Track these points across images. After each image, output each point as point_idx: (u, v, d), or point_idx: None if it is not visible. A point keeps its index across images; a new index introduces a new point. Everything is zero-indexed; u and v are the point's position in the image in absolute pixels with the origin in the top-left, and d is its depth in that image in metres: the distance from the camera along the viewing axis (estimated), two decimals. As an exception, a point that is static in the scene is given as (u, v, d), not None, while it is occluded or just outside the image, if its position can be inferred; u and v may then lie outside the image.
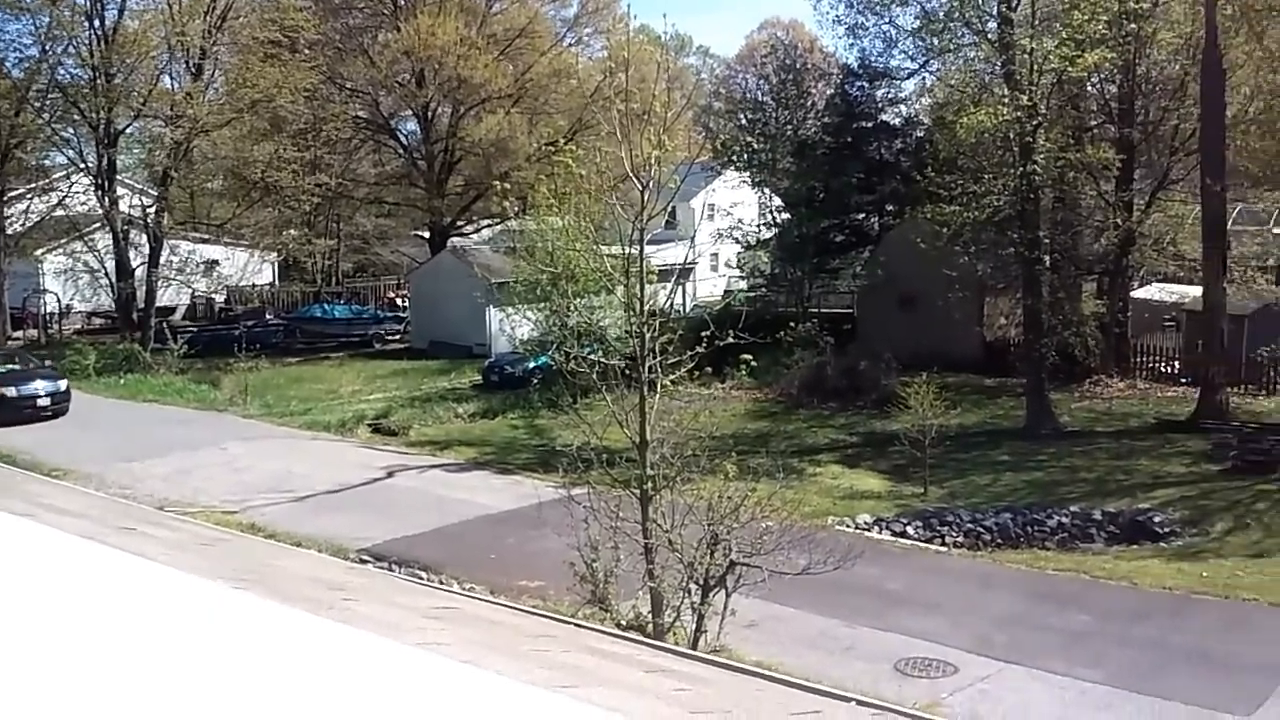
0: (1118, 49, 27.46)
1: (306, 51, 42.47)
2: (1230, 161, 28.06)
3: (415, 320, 43.92)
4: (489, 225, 46.61)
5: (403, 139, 49.11)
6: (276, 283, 53.20)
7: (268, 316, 46.79)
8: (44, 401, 28.62)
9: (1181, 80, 30.68)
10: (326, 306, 47.01)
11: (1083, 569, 16.99)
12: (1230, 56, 27.35)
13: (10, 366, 30.55)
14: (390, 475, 24.09)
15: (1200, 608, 15.00)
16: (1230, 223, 31.58)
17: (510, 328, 31.80)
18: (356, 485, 23.05)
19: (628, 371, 12.85)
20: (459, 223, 47.65)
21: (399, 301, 50.25)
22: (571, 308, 16.24)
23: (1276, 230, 41.95)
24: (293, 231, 46.25)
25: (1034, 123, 26.09)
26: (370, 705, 4.45)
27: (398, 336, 44.85)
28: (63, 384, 29.53)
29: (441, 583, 15.94)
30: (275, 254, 50.40)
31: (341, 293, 52.43)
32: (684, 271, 30.93)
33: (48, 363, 32.52)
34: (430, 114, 46.08)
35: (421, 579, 16.14)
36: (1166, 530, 19.17)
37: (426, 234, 48.41)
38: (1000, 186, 27.04)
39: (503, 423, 29.88)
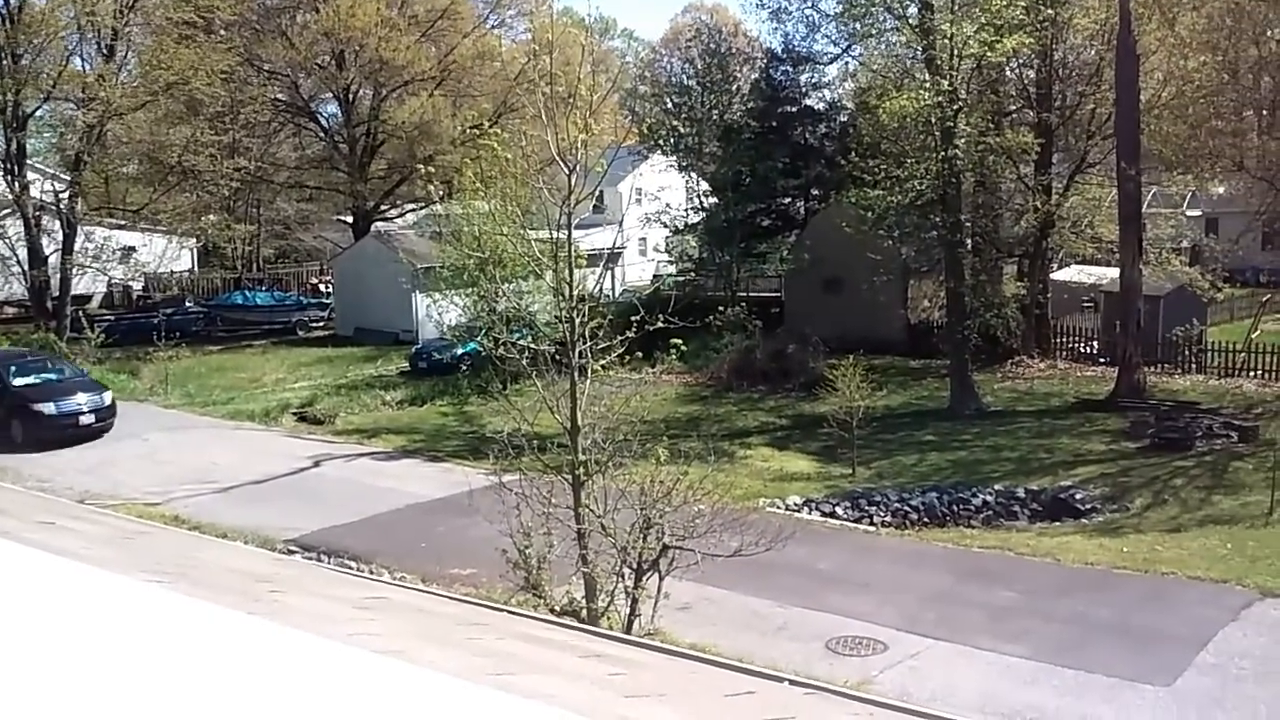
0: (1035, 34, 27.90)
1: (223, 32, 41.46)
2: (1145, 146, 28.69)
3: (340, 307, 43.30)
4: (414, 209, 46.09)
5: (324, 122, 48.29)
6: (196, 269, 52.03)
7: (187, 304, 45.77)
8: (87, 419, 24.79)
9: (1097, 65, 31.31)
10: (248, 293, 46.14)
11: (1007, 546, 17.32)
12: (1144, 42, 27.97)
13: (46, 376, 26.11)
14: (317, 464, 23.73)
15: (1121, 582, 15.37)
16: (1145, 206, 32.38)
17: (438, 313, 31.54)
18: (282, 475, 22.66)
19: (558, 357, 12.78)
20: (383, 207, 47.03)
21: (322, 288, 49.48)
22: (500, 293, 16.10)
23: (1189, 213, 43.17)
24: (212, 217, 45.19)
25: (955, 107, 26.42)
26: (299, 700, 4.35)
27: (322, 324, 44.18)
28: (107, 397, 25.63)
29: (371, 573, 15.76)
30: (194, 240, 49.23)
31: (263, 279, 51.48)
32: (613, 256, 30.83)
33: (84, 370, 28.58)
34: (352, 96, 45.36)
35: (351, 569, 15.95)
36: (1088, 507, 19.63)
37: (350, 219, 47.71)
38: (923, 171, 27.35)
39: (431, 410, 29.59)
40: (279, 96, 45.98)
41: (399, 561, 16.69)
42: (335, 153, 46.54)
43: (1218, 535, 17.23)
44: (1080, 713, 11.36)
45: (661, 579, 12.16)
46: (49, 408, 24.49)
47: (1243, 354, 29.84)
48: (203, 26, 39.85)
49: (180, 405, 29.99)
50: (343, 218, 49.83)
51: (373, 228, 44.82)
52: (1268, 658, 12.54)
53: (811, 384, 28.28)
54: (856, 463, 22.22)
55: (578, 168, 12.34)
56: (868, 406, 22.59)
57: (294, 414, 29.36)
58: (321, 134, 48.09)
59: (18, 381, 25.22)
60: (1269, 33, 27.07)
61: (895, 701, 10.59)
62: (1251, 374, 29.20)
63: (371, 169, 45.66)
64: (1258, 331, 32.89)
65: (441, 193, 24.55)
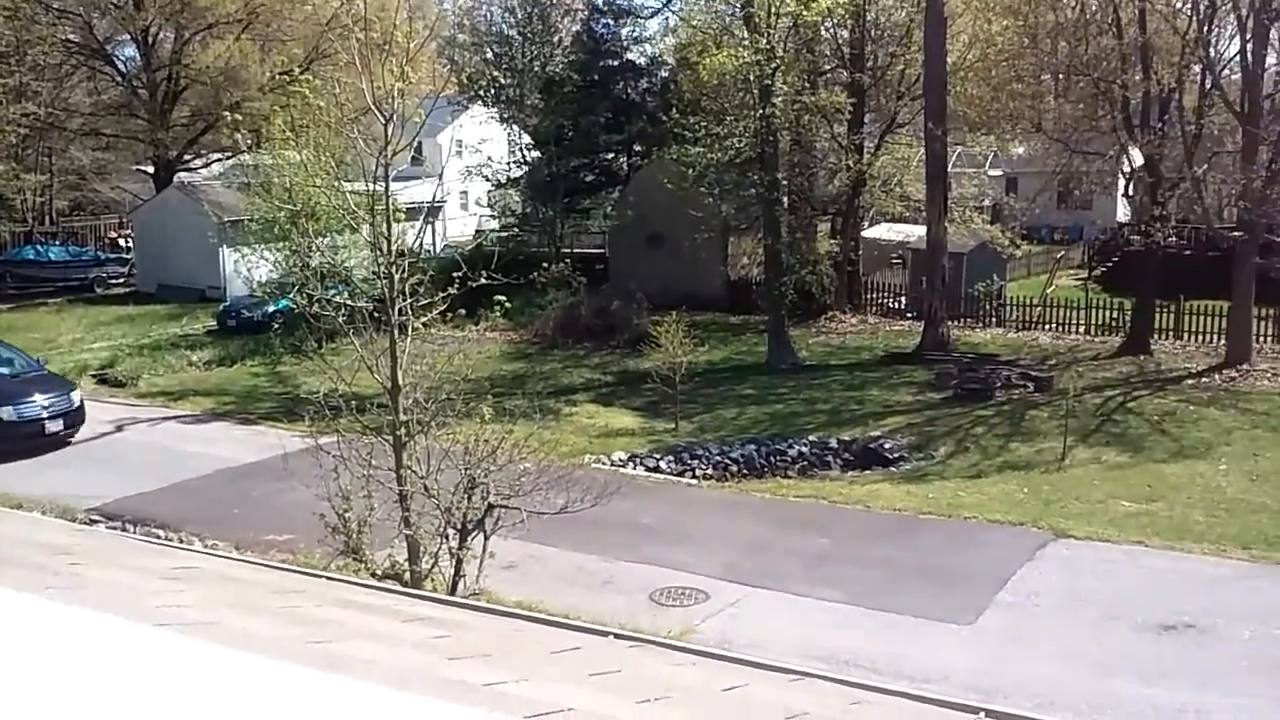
0: (849, -5, 28.57)
1: (5, -34, 38.40)
2: (951, 107, 29.81)
3: (141, 262, 41.10)
4: (220, 159, 43.92)
5: (121, 65, 45.40)
6: (-21, 223, 48.46)
7: (-30, 260, 42.67)
8: (54, 425, 20.80)
9: (908, 27, 32.30)
10: (40, 248, 43.30)
11: (821, 495, 17.91)
12: (951, 5, 29.00)
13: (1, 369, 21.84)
14: (119, 429, 22.56)
15: (927, 527, 16.11)
16: (951, 165, 33.69)
17: (247, 269, 30.23)
18: (82, 441, 21.45)
19: (376, 314, 12.42)
20: (186, 157, 44.67)
21: (122, 242, 46.86)
22: (313, 247, 15.52)
23: (991, 173, 45.24)
24: (-2, 166, 42.15)
25: (772, 66, 26.83)
26: (102, 679, 4.09)
27: (121, 280, 41.87)
28: (76, 396, 21.66)
29: (181, 541, 15.09)
30: (-24, 191, 45.83)
31: (57, 233, 48.38)
32: (433, 210, 30.20)
33: (40, 360, 23.78)
34: (151, 39, 42.76)
35: (158, 538, 15.22)
36: (896, 455, 20.46)
37: (151, 169, 45.16)
38: (742, 129, 27.74)
39: (242, 370, 28.49)
40: (70, 37, 42.92)
41: (210, 529, 16.05)
42: (134, 98, 43.88)
43: (1015, 480, 18.24)
44: (890, 652, 11.87)
45: (487, 539, 12.05)
46: (6, 412, 20.36)
47: (1039, 308, 31.61)
48: (-19, -42, 36.86)
49: (-36, 368, 27.95)
50: (143, 168, 47.13)
51: (175, 178, 42.57)
52: (1061, 594, 13.38)
53: (636, 340, 28.49)
54: (679, 417, 22.54)
55: (394, 117, 11.95)
56: (690, 362, 22.90)
57: (93, 376, 27.78)
58: (119, 78, 45.22)
59: None
60: (1065, 0, 28.43)
61: (716, 649, 10.82)
62: (1047, 327, 30.99)
63: (174, 116, 43.27)
64: (1052, 287, 34.88)
65: (249, 142, 23.55)
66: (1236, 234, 26.26)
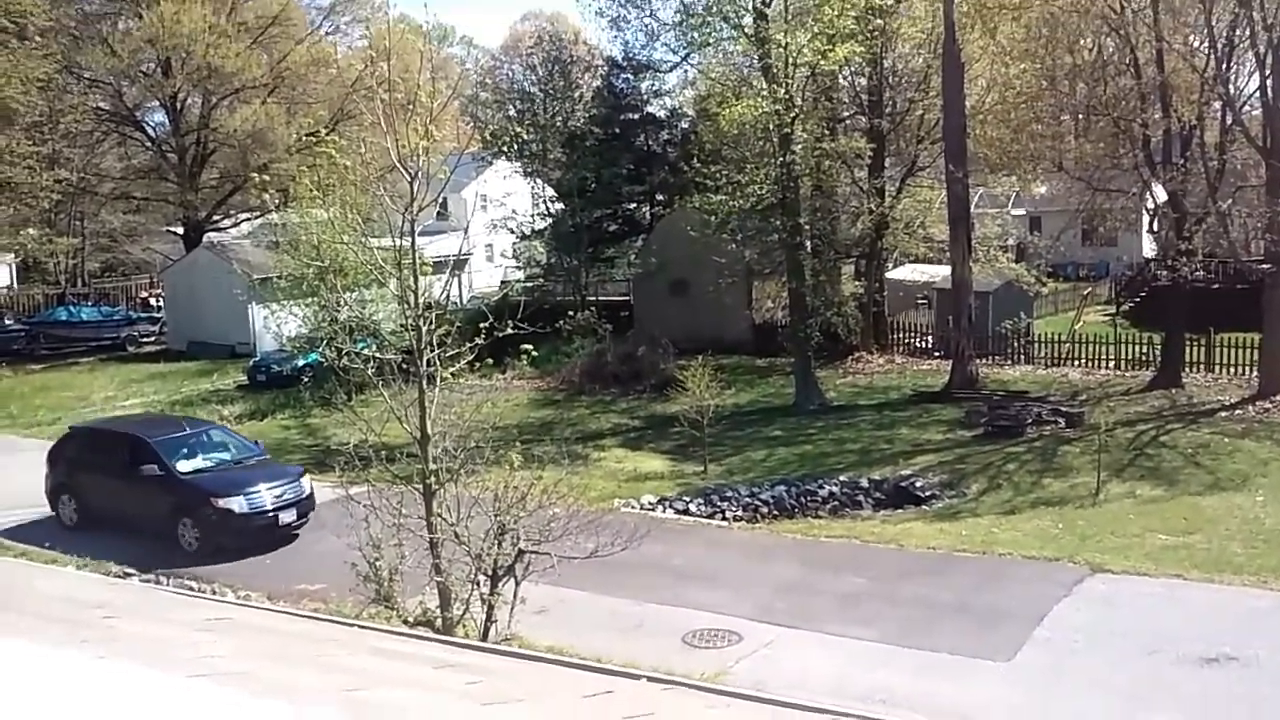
0: (866, 43, 28.78)
1: (38, 39, 39.37)
2: (971, 149, 29.91)
3: (172, 320, 41.65)
4: (248, 219, 44.63)
5: (150, 130, 46.29)
6: (15, 285, 49.28)
7: (7, 321, 43.33)
8: (287, 516, 18.21)
9: (925, 73, 32.51)
10: (72, 309, 43.90)
11: (853, 534, 17.82)
12: (968, 51, 29.16)
13: (217, 456, 19.40)
14: (153, 486, 22.71)
15: (961, 564, 15.98)
16: (973, 206, 33.77)
17: (276, 325, 30.54)
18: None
19: (405, 365, 12.57)
20: (215, 217, 45.45)
21: (153, 301, 47.47)
22: (341, 302, 15.75)
23: (1014, 212, 45.27)
24: (31, 231, 42.89)
25: (791, 114, 27.05)
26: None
27: (153, 338, 42.43)
28: (306, 483, 18.82)
29: (214, 593, 15.20)
30: (13, 255, 46.66)
31: (89, 294, 49.08)
32: (459, 262, 30.46)
33: (258, 444, 20.95)
34: (179, 104, 43.66)
35: (192, 590, 15.34)
36: (928, 494, 20.34)
37: (180, 230, 45.91)
38: (763, 176, 27.91)
39: (273, 424, 28.68)
40: (101, 105, 43.93)
41: (243, 581, 16.13)
42: (164, 162, 44.71)
43: (1049, 516, 18.09)
44: (927, 691, 11.76)
45: (518, 584, 12.08)
46: (237, 503, 17.77)
47: (1067, 344, 31.44)
48: (15, 33, 37.83)
49: (2, 427, 28.34)
50: (173, 229, 47.92)
51: (205, 238, 43.26)
52: (1099, 629, 13.21)
53: (662, 385, 28.57)
54: (708, 460, 22.52)
55: (419, 174, 12.19)
56: (717, 405, 22.92)
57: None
58: (148, 143, 46.11)
59: (184, 466, 18.64)
60: (1081, 42, 28.53)
61: (751, 691, 10.76)
62: (1075, 363, 30.80)
63: (202, 178, 44.06)
64: (1080, 323, 34.74)
65: (277, 201, 23.87)
66: (1265, 266, 26.08)
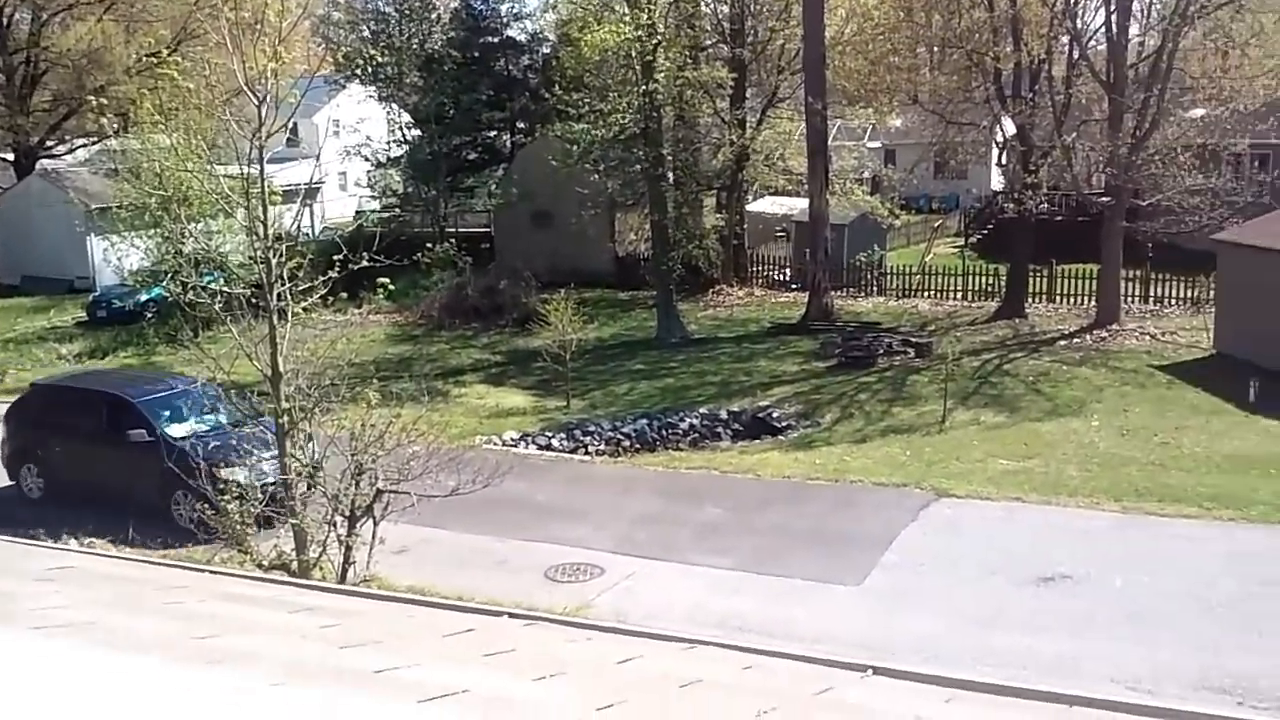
0: (728, -30, 28.75)
1: None
2: (830, 81, 30.27)
3: (2, 253, 39.35)
4: (85, 145, 42.22)
5: (-28, 48, 43.20)
6: None
7: None
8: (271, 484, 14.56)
9: (786, 2, 32.60)
10: (-111, 241, 41.06)
11: (712, 465, 18.13)
12: (828, -20, 29.36)
13: (210, 420, 16.73)
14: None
15: (815, 492, 16.44)
16: (831, 138, 34.23)
17: (117, 258, 29.15)
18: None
19: (254, 300, 12.12)
20: (49, 143, 42.81)
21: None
22: (187, 233, 15.10)
23: (870, 145, 46.05)
24: None
25: (653, 41, 26.87)
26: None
27: (-18, 272, 40.08)
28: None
29: (57, 541, 14.56)
30: None
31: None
32: (311, 192, 29.56)
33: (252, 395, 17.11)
34: (6, 20, 40.79)
35: (30, 538, 14.67)
36: (784, 424, 20.80)
37: (10, 156, 43.17)
38: (625, 104, 27.74)
39: (115, 361, 27.51)
40: (-84, 18, 40.74)
41: (86, 528, 15.51)
42: (-11, 82, 41.87)
43: (898, 443, 18.73)
44: (782, 616, 12.11)
45: (376, 524, 11.90)
46: (242, 474, 14.18)
47: (918, 276, 32.38)
48: None
49: None
50: (2, 155, 45.06)
51: (38, 165, 40.80)
52: (944, 552, 13.79)
53: (524, 319, 28.39)
54: (570, 395, 22.55)
55: (268, 98, 11.65)
56: (580, 339, 22.92)
57: (-45, 373, 26.56)
58: (-29, 62, 43.04)
59: (175, 431, 16.12)
60: (938, -26, 29.05)
61: (611, 623, 10.90)
62: (926, 294, 31.78)
63: (34, 101, 41.38)
64: (930, 255, 35.81)
65: (116, 126, 22.65)
66: (1104, 199, 27.27)
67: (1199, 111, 27.40)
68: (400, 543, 13.01)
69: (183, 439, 15.84)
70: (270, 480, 14.54)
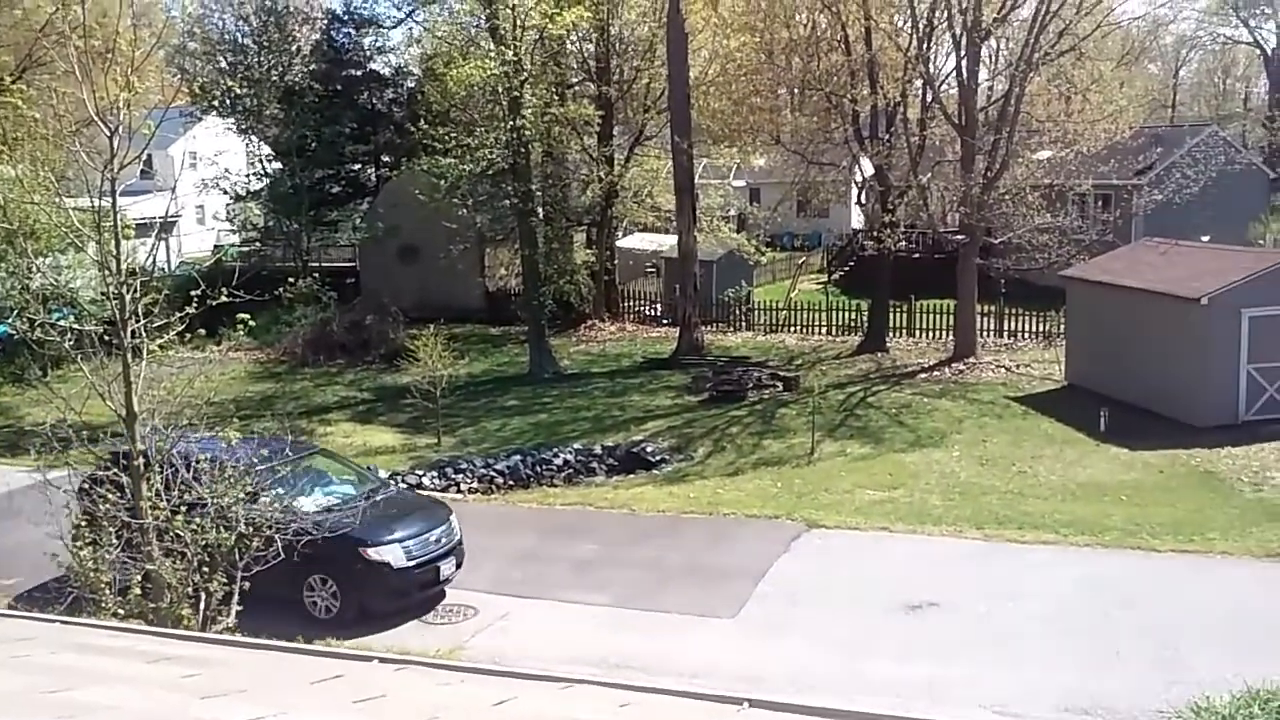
0: (593, 9, 29.00)
1: None
2: (695, 120, 30.78)
3: None
4: (-79, 176, 40.05)
5: None
6: None
7: None
8: (448, 569, 13.92)
9: (651, 42, 33.09)
10: None
11: (587, 501, 18.07)
12: (691, 21, 29.91)
13: (340, 489, 14.57)
14: None
15: (689, 526, 16.51)
16: (697, 177, 34.75)
17: (-43, 294, 27.60)
18: None
19: (107, 337, 11.59)
20: (-120, 173, 40.51)
21: None
22: (34, 268, 14.39)
23: (735, 183, 46.95)
24: None
25: (520, 78, 26.91)
26: None
27: None
28: (455, 524, 14.40)
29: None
30: None
31: None
32: (166, 225, 28.54)
33: (373, 466, 17.39)
34: None
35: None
36: (658, 458, 20.87)
37: None
38: (493, 140, 27.68)
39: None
40: None
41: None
42: None
43: (769, 475, 18.99)
44: (659, 651, 12.08)
45: (239, 570, 11.46)
46: (393, 554, 13.16)
47: (784, 311, 33.04)
48: None
49: None
50: None
51: None
52: (815, 582, 14.00)
53: (392, 355, 27.91)
54: (441, 432, 22.22)
55: (120, 129, 11.21)
56: (450, 375, 22.60)
57: None
58: None
59: (306, 505, 13.42)
60: (796, 17, 29.89)
61: (486, 665, 10.69)
62: (792, 329, 32.44)
63: None
64: (795, 291, 36.60)
65: (-45, 155, 21.51)
66: (959, 237, 28.30)
67: (1046, 153, 28.74)
68: (264, 588, 12.54)
69: (312, 514, 13.00)
70: (429, 558, 13.36)
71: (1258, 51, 77.98)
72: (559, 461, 20.97)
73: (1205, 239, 26.89)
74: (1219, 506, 16.27)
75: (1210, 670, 10.47)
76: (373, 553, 13.01)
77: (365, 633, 12.77)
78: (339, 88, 39.32)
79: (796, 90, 33.39)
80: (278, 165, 38.96)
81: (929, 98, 28.05)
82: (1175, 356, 20.79)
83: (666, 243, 35.58)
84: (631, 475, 20.22)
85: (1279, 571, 13.77)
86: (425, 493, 19.32)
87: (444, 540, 13.76)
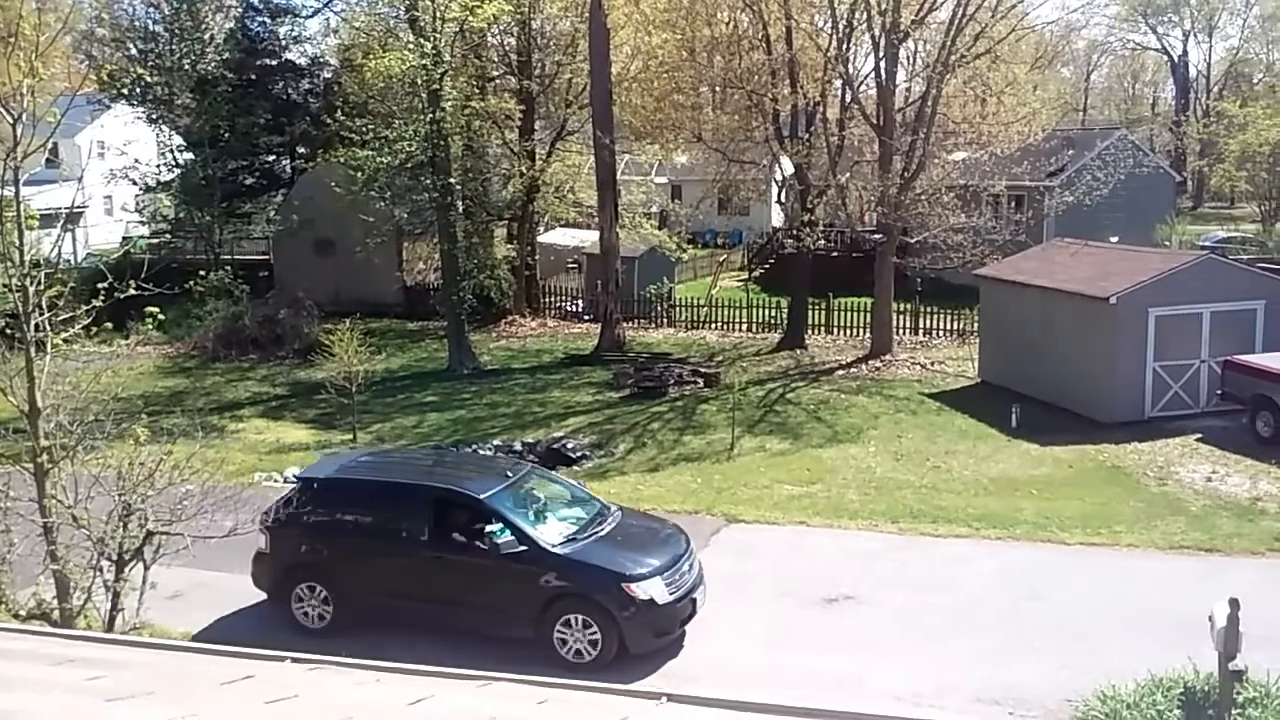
0: (514, 2, 28.82)
1: None
2: (617, 116, 30.76)
3: None
4: None
5: None
6: None
7: None
8: (701, 599, 12.47)
9: (573, 36, 33.02)
10: None
11: (506, 498, 17.89)
12: (614, 17, 29.86)
13: (576, 515, 13.03)
14: None
15: (609, 522, 16.43)
16: (620, 173, 34.77)
17: None
18: None
19: (9, 331, 11.21)
20: None
21: None
22: (-71, 259, 13.86)
23: (658, 180, 47.05)
24: None
25: (440, 70, 26.64)
26: None
27: None
28: (684, 543, 12.88)
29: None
30: None
31: None
32: (73, 216, 27.72)
33: (581, 484, 15.85)
34: None
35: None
36: (579, 454, 20.78)
37: None
38: (412, 132, 27.37)
39: None
40: None
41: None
42: None
43: (690, 471, 19.04)
44: (579, 649, 12.01)
45: (147, 568, 11.18)
46: (657, 589, 11.80)
47: (705, 309, 33.20)
48: None
49: None
50: None
51: None
52: (735, 576, 14.02)
53: (306, 350, 27.46)
54: (357, 428, 21.91)
55: (24, 116, 10.87)
56: (366, 370, 22.31)
57: None
58: None
59: (547, 535, 12.29)
60: (718, 15, 30.01)
61: (400, 665, 10.55)
62: (713, 326, 32.61)
63: None
64: (716, 288, 36.80)
65: None
66: (876, 236, 28.70)
67: (961, 155, 29.29)
68: (174, 587, 12.29)
69: (560, 546, 12.11)
70: (687, 591, 12.14)
71: (1165, 58, 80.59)
72: (479, 458, 20.80)
73: (1114, 240, 27.65)
74: (1125, 500, 16.73)
75: (1117, 659, 10.74)
76: (637, 589, 11.65)
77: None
78: (254, 77, 38.59)
79: (718, 88, 33.56)
80: (189, 156, 38.07)
81: (848, 98, 28.40)
82: (1085, 354, 21.32)
83: (588, 239, 35.53)
84: (553, 471, 20.12)
85: (1182, 563, 14.20)
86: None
87: (693, 568, 12.49)
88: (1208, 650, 9.24)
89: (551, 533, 12.27)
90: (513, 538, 11.83)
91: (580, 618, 11.72)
